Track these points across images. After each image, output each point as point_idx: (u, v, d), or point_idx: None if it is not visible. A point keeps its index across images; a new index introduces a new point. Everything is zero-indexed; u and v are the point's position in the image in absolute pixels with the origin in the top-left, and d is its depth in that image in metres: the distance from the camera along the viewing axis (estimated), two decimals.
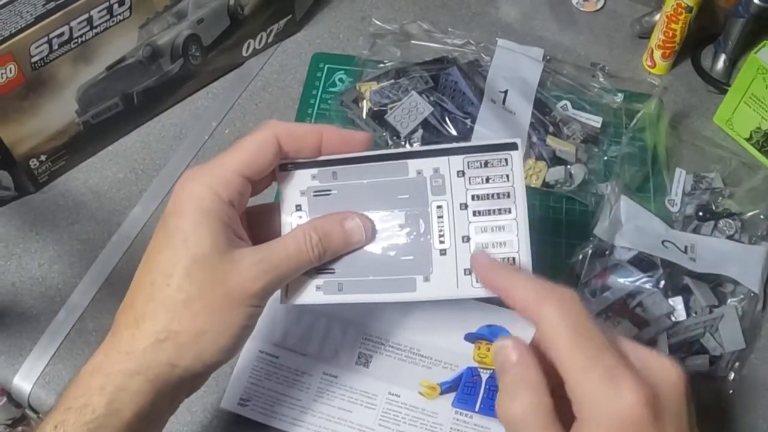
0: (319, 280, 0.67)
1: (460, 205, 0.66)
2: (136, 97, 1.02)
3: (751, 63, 0.99)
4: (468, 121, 0.99)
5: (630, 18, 1.17)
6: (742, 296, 0.92)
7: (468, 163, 0.66)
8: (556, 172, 0.98)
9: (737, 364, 0.89)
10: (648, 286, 0.90)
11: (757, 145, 1.04)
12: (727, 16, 1.08)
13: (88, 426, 0.58)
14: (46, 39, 0.87)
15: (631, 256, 0.92)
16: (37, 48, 0.87)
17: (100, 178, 1.02)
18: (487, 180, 0.66)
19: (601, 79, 1.07)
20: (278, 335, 0.89)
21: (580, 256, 0.92)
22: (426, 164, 0.67)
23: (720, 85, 1.10)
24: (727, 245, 0.95)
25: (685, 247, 0.93)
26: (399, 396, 0.86)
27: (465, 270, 0.66)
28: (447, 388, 0.86)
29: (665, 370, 0.56)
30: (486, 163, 0.66)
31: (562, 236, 0.97)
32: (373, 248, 0.67)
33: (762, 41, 1.00)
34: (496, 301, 0.88)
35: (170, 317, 0.60)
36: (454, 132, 0.99)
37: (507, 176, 0.66)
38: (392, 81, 1.03)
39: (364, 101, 1.02)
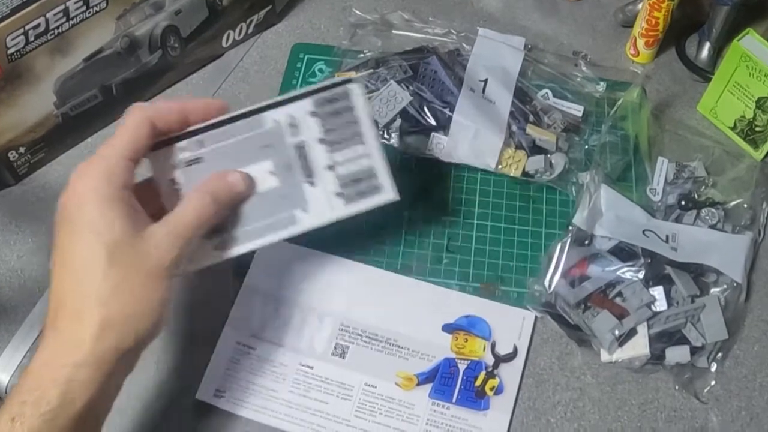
0: (215, 241, 0.76)
1: (318, 140, 0.78)
2: (115, 89, 1.02)
3: (734, 51, 0.99)
4: (447, 111, 0.99)
5: (613, 7, 1.17)
6: (724, 286, 0.92)
7: (316, 102, 0.78)
8: (536, 162, 0.97)
9: (719, 355, 0.89)
10: (628, 275, 0.90)
11: (741, 133, 1.04)
12: (712, 4, 1.08)
13: (44, 417, 0.61)
14: (22, 31, 0.86)
15: (612, 245, 0.91)
16: (13, 40, 0.86)
17: None
18: (337, 114, 0.78)
19: (584, 68, 1.07)
20: (255, 326, 0.89)
21: (559, 246, 0.91)
22: (280, 113, 0.78)
23: (704, 74, 1.09)
24: (710, 234, 0.94)
25: (667, 236, 0.92)
26: (375, 387, 0.86)
27: (336, 194, 0.78)
28: (424, 379, 0.86)
29: None
30: (331, 100, 0.78)
31: (542, 226, 0.97)
32: (254, 199, 0.77)
33: (746, 29, 1.00)
34: (476, 292, 0.88)
35: (106, 307, 0.63)
36: (432, 122, 0.99)
37: (351, 108, 0.79)
38: (371, 70, 1.02)
39: None
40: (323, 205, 0.78)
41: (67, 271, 0.65)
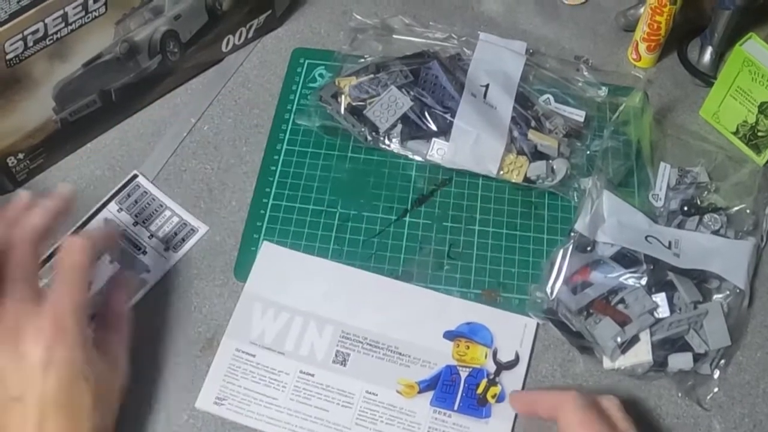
0: None
1: (133, 224, 0.95)
2: (114, 94, 1.01)
3: (737, 55, 0.99)
4: (448, 116, 0.99)
5: (614, 11, 1.16)
6: (727, 292, 0.92)
7: (118, 201, 0.96)
8: (538, 167, 0.97)
9: (722, 361, 0.89)
10: (630, 282, 0.90)
11: (743, 138, 1.04)
12: (714, 8, 1.07)
13: None
14: (20, 36, 0.86)
15: (614, 251, 0.92)
16: (11, 45, 0.86)
17: (79, 175, 1.01)
18: (137, 202, 0.98)
19: (585, 73, 1.07)
20: (255, 334, 0.88)
21: (561, 252, 0.91)
22: (98, 220, 0.96)
23: (706, 78, 1.09)
24: (713, 240, 0.94)
25: (669, 242, 0.92)
26: (376, 395, 0.85)
27: (164, 249, 0.94)
28: (425, 386, 0.86)
29: None
30: (129, 194, 0.98)
31: (544, 232, 0.97)
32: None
33: (748, 33, 1.00)
34: (477, 299, 0.88)
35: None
36: (433, 127, 0.99)
37: (145, 192, 0.98)
38: (372, 75, 1.02)
39: (343, 96, 1.01)
40: (160, 262, 0.94)
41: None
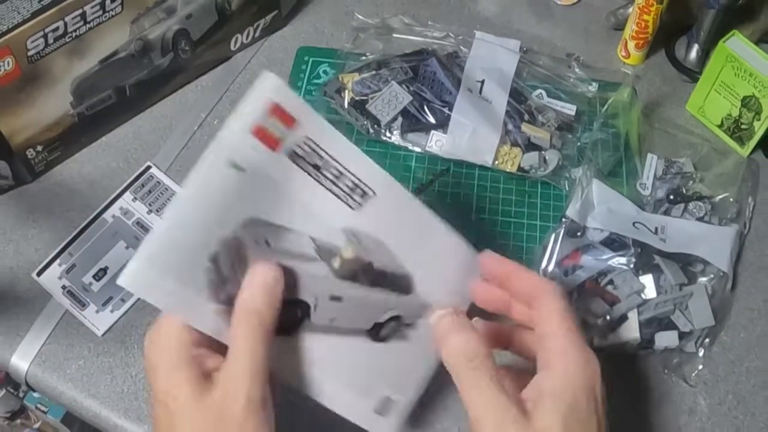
0: None
1: (147, 212, 0.97)
2: (128, 90, 1.04)
3: (720, 52, 1.02)
4: (446, 110, 1.02)
5: (605, 10, 1.19)
6: (711, 275, 0.94)
7: (133, 190, 0.99)
8: (531, 158, 1.00)
9: (707, 340, 0.92)
10: (619, 265, 0.92)
11: (728, 131, 1.07)
12: (700, 7, 1.10)
13: None
14: (41, 33, 0.89)
15: (603, 236, 0.94)
16: (33, 42, 0.89)
17: (94, 167, 1.04)
18: (150, 192, 1.00)
19: (577, 70, 1.10)
20: None
21: (553, 237, 0.94)
22: (114, 209, 0.98)
23: (693, 74, 1.12)
24: (697, 226, 0.97)
25: (656, 228, 0.95)
26: None
27: None
28: None
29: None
30: (143, 184, 1.00)
31: (537, 219, 1.00)
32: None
33: (732, 31, 1.03)
34: None
35: None
36: (432, 120, 1.02)
37: (159, 182, 0.99)
38: (373, 72, 1.05)
39: (347, 92, 1.04)
40: None
41: (155, 427, 0.67)
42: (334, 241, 0.71)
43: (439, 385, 0.80)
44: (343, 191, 0.71)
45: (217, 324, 0.67)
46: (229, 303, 0.67)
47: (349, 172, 0.71)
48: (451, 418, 0.88)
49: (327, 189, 0.70)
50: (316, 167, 0.69)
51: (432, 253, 0.76)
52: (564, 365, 0.67)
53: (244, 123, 0.65)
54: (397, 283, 0.75)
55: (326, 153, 0.69)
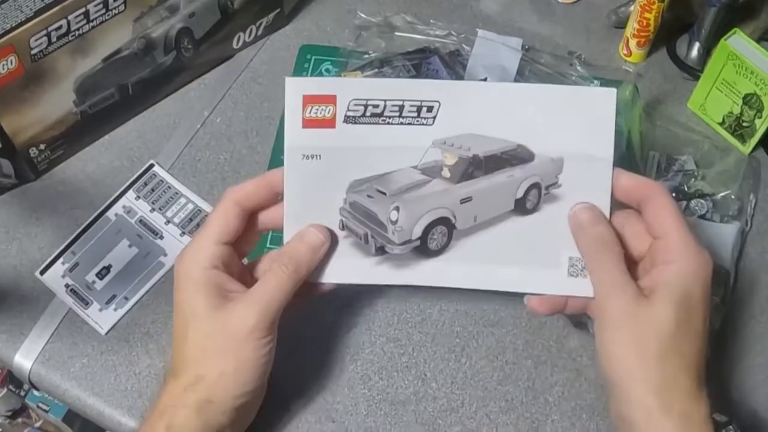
0: None
1: (150, 210, 0.99)
2: (131, 88, 1.04)
3: (722, 50, 1.02)
4: None
5: (606, 9, 1.19)
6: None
7: (136, 189, 1.01)
8: None
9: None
10: None
11: (729, 129, 1.07)
12: (701, 5, 1.10)
13: None
14: (45, 32, 0.89)
15: None
16: (36, 41, 0.89)
17: (97, 165, 1.04)
18: (153, 190, 1.03)
19: (578, 68, 1.09)
20: None
21: None
22: (117, 207, 1.00)
23: (694, 72, 1.12)
24: (699, 224, 0.97)
25: None
26: None
27: (180, 234, 0.96)
28: None
29: None
30: (145, 183, 1.02)
31: None
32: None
33: (733, 29, 1.03)
34: None
35: (193, 366, 0.75)
36: None
37: (162, 180, 1.02)
38: (376, 70, 1.05)
39: None
40: (176, 246, 0.97)
41: (173, 338, 0.78)
42: (433, 158, 0.79)
43: None
44: (412, 117, 0.78)
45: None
46: (382, 252, 0.79)
47: (405, 101, 0.78)
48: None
49: (397, 125, 0.78)
50: (376, 115, 0.78)
51: (525, 111, 0.79)
52: (680, 260, 0.73)
53: (294, 124, 0.78)
54: (513, 156, 0.80)
55: (375, 99, 0.78)
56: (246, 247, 0.82)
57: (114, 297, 0.95)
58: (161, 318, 0.94)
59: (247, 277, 0.81)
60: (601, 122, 0.78)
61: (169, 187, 1.02)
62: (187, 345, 0.75)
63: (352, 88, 0.78)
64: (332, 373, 0.91)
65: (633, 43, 1.13)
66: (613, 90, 0.79)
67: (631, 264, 0.76)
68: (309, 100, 0.78)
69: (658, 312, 0.71)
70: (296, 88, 0.78)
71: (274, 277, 0.76)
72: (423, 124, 0.78)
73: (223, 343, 0.74)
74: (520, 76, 1.08)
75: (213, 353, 0.74)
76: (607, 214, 0.78)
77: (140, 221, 1.00)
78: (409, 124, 0.78)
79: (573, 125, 0.79)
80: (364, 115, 0.78)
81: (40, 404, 1.64)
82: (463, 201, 0.80)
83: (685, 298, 0.72)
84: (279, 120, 1.07)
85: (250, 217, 0.80)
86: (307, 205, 0.79)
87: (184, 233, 0.99)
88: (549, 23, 1.20)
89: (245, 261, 0.83)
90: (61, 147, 1.03)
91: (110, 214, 1.00)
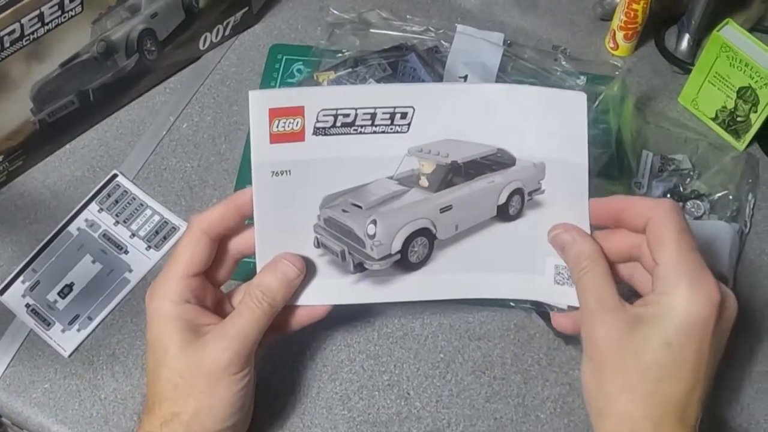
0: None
1: (114, 223, 0.96)
2: (92, 94, 1.01)
3: (714, 41, 0.99)
4: None
5: (592, 1, 1.16)
6: None
7: (99, 201, 0.98)
8: None
9: None
10: None
11: (722, 124, 1.04)
12: None
13: None
14: None
15: None
16: None
17: (58, 176, 1.01)
18: (117, 201, 0.97)
19: (564, 63, 1.06)
20: None
21: None
22: (79, 221, 0.96)
23: (684, 65, 1.09)
24: (696, 226, 0.93)
25: None
26: None
27: (146, 248, 0.94)
28: None
29: (728, 293, 0.69)
30: (109, 194, 0.98)
31: None
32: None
33: (725, 19, 1.00)
34: None
35: (168, 403, 0.72)
36: None
37: (126, 191, 0.98)
38: (350, 69, 1.02)
39: None
40: (142, 261, 0.94)
41: (147, 374, 0.76)
42: (409, 166, 0.77)
43: None
44: (385, 125, 0.76)
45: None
46: (361, 269, 0.77)
47: (377, 108, 0.76)
48: None
49: (370, 134, 0.76)
50: (347, 125, 0.76)
51: (501, 113, 0.78)
52: (673, 293, 0.68)
53: (261, 139, 0.75)
54: (494, 161, 0.79)
55: (345, 108, 0.75)
56: (220, 275, 0.80)
57: (77, 317, 0.91)
58: (127, 338, 0.90)
59: (225, 306, 0.80)
60: (573, 126, 0.77)
61: (134, 198, 0.98)
62: (161, 382, 0.73)
63: (321, 98, 0.76)
64: (309, 394, 0.87)
65: (620, 35, 1.09)
66: (583, 94, 0.77)
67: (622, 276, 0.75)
68: (275, 113, 0.75)
69: (645, 349, 0.67)
70: (261, 102, 0.75)
71: (248, 311, 0.74)
72: (397, 132, 0.76)
73: (196, 380, 0.72)
74: (502, 72, 1.05)
75: (187, 391, 0.72)
76: (587, 220, 0.76)
77: (104, 235, 0.96)
78: (383, 132, 0.76)
79: (548, 128, 0.77)
80: (334, 125, 0.76)
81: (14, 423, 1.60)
82: (443, 210, 0.78)
83: (677, 335, 0.67)
84: (248, 125, 1.02)
85: (220, 243, 0.77)
86: (280, 225, 0.76)
87: (149, 247, 0.95)
88: (532, 17, 1.17)
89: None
90: (20, 158, 0.99)
91: (72, 228, 0.96)
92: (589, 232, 0.76)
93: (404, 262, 0.76)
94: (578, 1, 1.18)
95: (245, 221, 0.77)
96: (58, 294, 0.92)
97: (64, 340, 0.90)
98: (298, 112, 0.75)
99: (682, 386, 0.67)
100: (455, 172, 0.77)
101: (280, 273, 0.75)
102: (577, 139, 0.77)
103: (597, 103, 1.00)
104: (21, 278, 0.93)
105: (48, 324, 0.90)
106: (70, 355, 0.89)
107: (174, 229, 0.96)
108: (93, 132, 1.04)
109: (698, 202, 0.97)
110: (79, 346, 0.90)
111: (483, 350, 0.90)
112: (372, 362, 0.89)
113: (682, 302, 0.67)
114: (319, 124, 0.75)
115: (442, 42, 1.07)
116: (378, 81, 1.00)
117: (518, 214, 0.78)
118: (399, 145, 0.76)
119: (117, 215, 0.97)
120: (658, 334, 0.67)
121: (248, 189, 0.76)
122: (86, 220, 0.97)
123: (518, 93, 0.79)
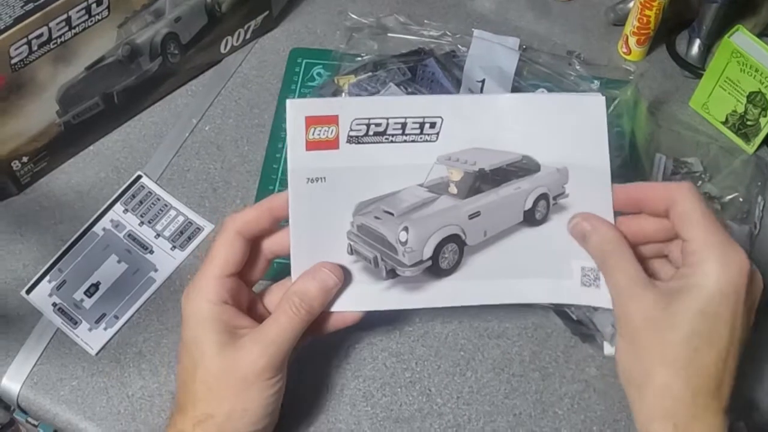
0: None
1: (139, 224, 0.97)
2: (116, 97, 1.02)
3: (725, 47, 1.00)
4: None
5: (604, 6, 1.17)
6: None
7: (123, 201, 0.98)
8: None
9: None
10: None
11: (733, 128, 1.05)
12: (701, 1, 1.09)
13: None
14: (25, 40, 0.86)
15: None
16: (16, 50, 0.86)
17: (83, 177, 1.02)
18: (142, 202, 0.99)
19: (578, 67, 1.07)
20: None
21: None
22: (105, 221, 0.97)
23: (695, 70, 1.11)
24: None
25: None
26: None
27: (171, 248, 0.96)
28: None
29: (755, 267, 0.71)
30: (133, 195, 1.00)
31: None
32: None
33: (735, 25, 1.01)
34: None
35: (202, 404, 0.73)
36: None
37: (150, 192, 0.99)
38: (370, 73, 1.03)
39: (343, 94, 1.02)
40: (167, 261, 0.96)
41: (180, 375, 0.76)
42: (438, 174, 0.79)
43: None
44: (415, 134, 0.78)
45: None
46: (393, 275, 0.78)
47: (407, 118, 0.78)
48: None
49: (401, 143, 0.78)
50: (379, 134, 0.78)
51: (525, 121, 0.80)
52: (706, 262, 0.69)
53: (297, 146, 0.76)
54: (519, 168, 0.80)
55: (377, 117, 0.77)
56: (254, 276, 0.80)
57: (104, 316, 0.92)
58: (153, 337, 0.91)
59: (257, 306, 0.80)
60: (593, 129, 0.79)
61: (158, 199, 0.99)
62: (196, 384, 0.74)
63: (354, 108, 0.77)
64: (333, 391, 0.89)
65: (632, 41, 1.11)
66: (601, 96, 0.80)
67: (650, 262, 0.76)
68: (311, 121, 0.77)
69: (680, 320, 0.68)
70: (298, 110, 0.77)
71: (286, 317, 0.74)
72: (427, 141, 0.78)
73: (231, 383, 0.73)
74: (518, 77, 1.06)
75: (221, 393, 0.73)
76: (611, 221, 0.77)
77: (129, 235, 0.97)
78: (413, 141, 0.78)
79: (569, 133, 0.79)
80: (366, 134, 0.77)
81: (29, 420, 1.60)
82: (472, 216, 0.79)
83: (711, 304, 0.68)
84: (270, 128, 1.04)
85: (253, 244, 0.78)
86: (314, 231, 0.77)
87: (174, 247, 0.96)
88: (545, 22, 1.18)
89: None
90: (45, 159, 1.00)
91: (97, 228, 0.98)
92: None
93: (435, 269, 0.77)
94: (591, 7, 1.19)
95: (279, 224, 0.78)
96: (85, 293, 0.93)
97: (91, 338, 0.91)
98: (332, 120, 0.77)
99: (717, 354, 0.68)
100: (483, 180, 0.79)
101: (319, 281, 0.75)
102: (597, 141, 0.79)
103: (612, 107, 1.00)
104: (47, 278, 0.94)
105: (75, 323, 0.91)
106: (97, 353, 0.90)
107: (198, 229, 0.97)
108: (117, 134, 1.05)
109: (709, 204, 0.97)
110: (106, 344, 0.91)
111: (502, 348, 0.91)
112: (394, 360, 0.90)
113: (715, 271, 0.68)
114: (352, 133, 0.77)
115: (459, 46, 1.08)
116: (398, 85, 1.01)
117: (544, 219, 0.79)
118: (428, 154, 0.78)
119: (142, 216, 0.98)
120: (694, 304, 0.68)
121: (283, 192, 0.77)
122: (111, 221, 0.98)
123: (539, 101, 0.81)
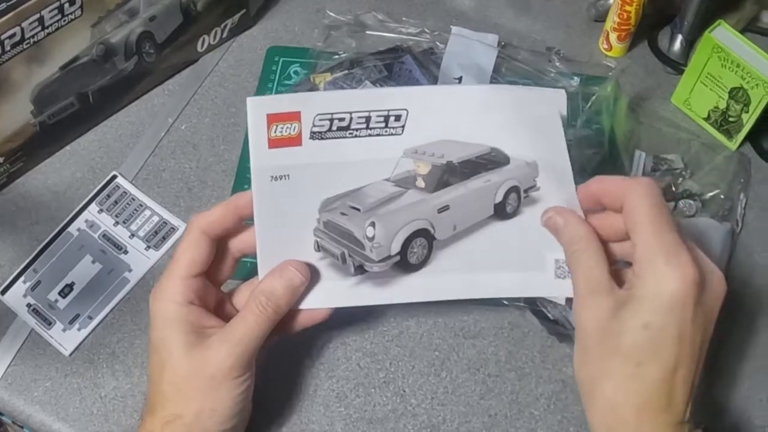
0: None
1: (113, 224, 0.96)
2: (91, 96, 1.02)
3: (706, 42, 0.99)
4: None
5: (585, 2, 1.17)
6: None
7: (98, 202, 0.98)
8: None
9: None
10: None
11: (715, 124, 1.05)
12: None
13: None
14: None
15: None
16: None
17: (59, 178, 1.01)
18: (117, 202, 0.98)
19: (557, 64, 1.07)
20: None
21: None
22: (79, 221, 0.95)
23: (677, 66, 1.10)
24: (688, 225, 0.95)
25: None
26: None
27: (145, 248, 0.95)
28: None
29: (713, 271, 0.69)
30: (108, 195, 0.98)
31: None
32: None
33: (717, 20, 1.00)
34: None
35: (171, 404, 0.73)
36: None
37: (125, 192, 0.98)
38: (346, 71, 1.03)
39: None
40: (142, 261, 0.95)
41: (149, 374, 0.76)
42: (405, 168, 0.78)
43: None
44: (380, 128, 0.78)
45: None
46: (362, 271, 0.76)
47: (371, 111, 0.78)
48: None
49: (366, 137, 0.78)
50: (342, 128, 0.78)
51: (492, 114, 0.80)
52: (648, 275, 0.67)
53: (259, 145, 0.77)
54: (488, 160, 0.79)
55: (340, 112, 0.78)
56: (221, 275, 0.80)
57: (78, 316, 0.92)
58: (127, 337, 0.91)
59: (225, 306, 0.80)
60: (553, 123, 0.79)
61: (133, 199, 0.99)
62: (164, 384, 0.74)
63: (316, 103, 0.77)
64: (306, 392, 0.88)
65: (613, 37, 1.10)
66: (562, 91, 0.80)
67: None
68: (273, 118, 0.77)
69: (625, 332, 0.66)
70: (259, 108, 0.77)
71: (252, 317, 0.73)
72: (392, 134, 0.78)
73: (199, 383, 0.73)
74: (497, 74, 1.06)
75: (189, 393, 0.73)
76: (579, 211, 0.76)
77: (103, 236, 0.96)
78: (378, 135, 0.78)
79: (532, 127, 0.79)
80: (330, 129, 0.77)
81: (15, 421, 1.60)
82: (441, 210, 0.78)
83: (655, 317, 0.66)
84: (245, 126, 1.03)
85: (220, 243, 0.78)
86: (280, 229, 0.77)
87: (149, 247, 0.96)
88: (526, 18, 1.17)
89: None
90: (21, 159, 1.00)
91: (72, 229, 0.97)
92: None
93: (404, 264, 0.77)
94: (571, 3, 1.18)
95: (244, 222, 0.78)
96: (59, 294, 0.93)
97: (65, 339, 0.90)
98: (294, 117, 0.76)
99: (663, 367, 0.66)
100: (451, 172, 0.78)
101: (285, 279, 0.74)
102: (556, 135, 0.78)
103: (590, 103, 1.00)
104: (22, 278, 0.94)
105: (49, 323, 0.91)
106: (70, 354, 0.90)
107: (173, 229, 0.97)
108: (92, 134, 1.05)
109: (690, 201, 0.97)
110: (79, 345, 0.90)
111: (477, 348, 0.90)
112: (368, 360, 0.89)
113: (657, 282, 0.66)
114: (315, 129, 0.77)
115: (437, 43, 1.08)
116: (374, 82, 1.01)
117: (515, 212, 0.78)
118: (394, 147, 0.77)
119: (116, 216, 0.98)
120: (636, 317, 0.66)
121: (248, 191, 0.76)
122: (86, 221, 0.97)
123: (504, 93, 0.81)
